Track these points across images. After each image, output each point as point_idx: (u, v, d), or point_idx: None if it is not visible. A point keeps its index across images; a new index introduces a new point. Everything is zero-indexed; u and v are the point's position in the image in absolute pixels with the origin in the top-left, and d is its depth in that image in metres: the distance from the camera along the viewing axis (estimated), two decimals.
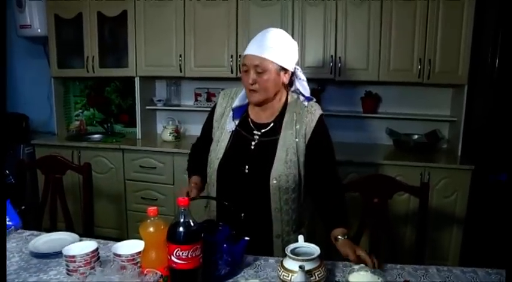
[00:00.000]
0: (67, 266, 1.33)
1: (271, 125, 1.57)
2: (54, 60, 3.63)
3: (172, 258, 1.17)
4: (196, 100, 3.65)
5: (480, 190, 2.84)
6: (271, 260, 1.50)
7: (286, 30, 3.08)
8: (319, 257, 1.28)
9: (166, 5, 3.30)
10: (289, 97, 1.61)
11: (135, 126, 3.66)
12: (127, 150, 3.33)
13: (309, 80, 3.34)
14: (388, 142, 3.38)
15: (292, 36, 3.08)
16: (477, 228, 2.86)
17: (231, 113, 1.62)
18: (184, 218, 1.18)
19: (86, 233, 2.03)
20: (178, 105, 3.78)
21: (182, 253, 1.16)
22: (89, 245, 1.38)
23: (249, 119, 1.62)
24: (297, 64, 1.62)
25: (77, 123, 4.00)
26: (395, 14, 2.96)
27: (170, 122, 3.58)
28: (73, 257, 1.31)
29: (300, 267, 1.17)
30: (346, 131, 3.48)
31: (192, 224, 1.18)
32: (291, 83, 1.62)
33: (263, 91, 1.52)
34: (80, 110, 4.04)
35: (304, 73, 3.21)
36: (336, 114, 3.41)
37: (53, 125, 3.84)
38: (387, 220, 1.81)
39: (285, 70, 1.55)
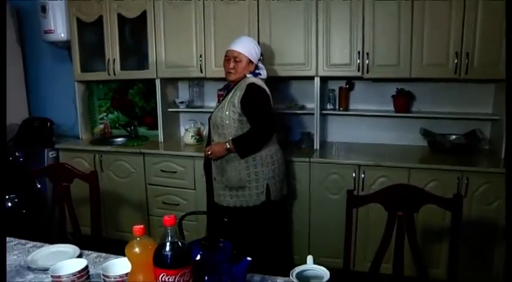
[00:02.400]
0: None
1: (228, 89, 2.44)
2: (77, 64, 3.62)
3: None
4: (218, 101, 3.54)
5: None
6: (279, 280, 1.35)
7: (311, 26, 2.98)
8: (329, 281, 1.12)
9: (186, 4, 3.20)
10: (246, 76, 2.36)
11: None
12: (147, 154, 3.26)
13: (335, 78, 3.18)
14: (422, 143, 3.14)
15: (317, 32, 2.94)
16: None
17: None
18: (171, 239, 1.05)
19: (94, 240, 1.97)
20: (202, 107, 3.67)
21: (168, 278, 1.04)
22: (78, 263, 1.28)
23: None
24: (261, 62, 2.48)
25: (102, 126, 3.98)
26: (428, 4, 2.71)
27: (192, 124, 3.49)
28: (59, 277, 1.23)
29: None
30: (377, 132, 3.32)
31: (180, 245, 1.06)
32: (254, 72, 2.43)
33: (238, 74, 2.36)
34: (104, 113, 4.02)
35: (330, 71, 3.03)
36: (365, 114, 3.24)
37: (78, 129, 3.85)
38: (413, 236, 1.61)
39: (252, 62, 2.38)
